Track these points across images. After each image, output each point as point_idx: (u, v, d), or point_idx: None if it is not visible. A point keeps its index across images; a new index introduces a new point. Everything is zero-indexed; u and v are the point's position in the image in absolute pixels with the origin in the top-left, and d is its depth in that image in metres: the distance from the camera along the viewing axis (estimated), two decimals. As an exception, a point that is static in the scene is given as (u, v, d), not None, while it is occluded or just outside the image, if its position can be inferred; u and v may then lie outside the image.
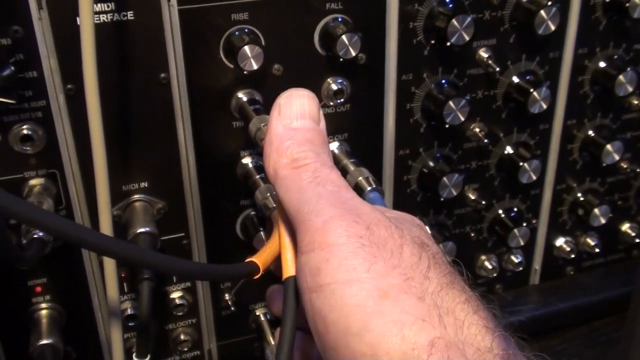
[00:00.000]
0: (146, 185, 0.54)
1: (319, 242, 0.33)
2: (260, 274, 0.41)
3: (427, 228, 0.39)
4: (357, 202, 0.35)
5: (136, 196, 0.54)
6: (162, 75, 0.50)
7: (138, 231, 0.51)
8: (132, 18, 0.48)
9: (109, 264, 0.48)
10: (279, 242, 0.40)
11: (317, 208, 0.34)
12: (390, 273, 0.32)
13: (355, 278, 0.32)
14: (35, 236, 0.47)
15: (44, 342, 0.53)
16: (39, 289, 0.54)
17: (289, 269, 0.39)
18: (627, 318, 0.63)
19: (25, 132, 0.48)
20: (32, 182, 0.50)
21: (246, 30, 0.50)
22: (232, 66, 0.51)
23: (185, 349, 0.61)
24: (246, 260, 0.41)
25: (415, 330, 0.30)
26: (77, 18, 0.43)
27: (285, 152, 0.37)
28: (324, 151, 0.38)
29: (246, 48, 0.49)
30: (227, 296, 0.61)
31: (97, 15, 0.46)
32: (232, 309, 0.60)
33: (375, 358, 0.30)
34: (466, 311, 0.32)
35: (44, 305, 0.55)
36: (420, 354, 0.30)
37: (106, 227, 0.46)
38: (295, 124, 0.38)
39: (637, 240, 0.74)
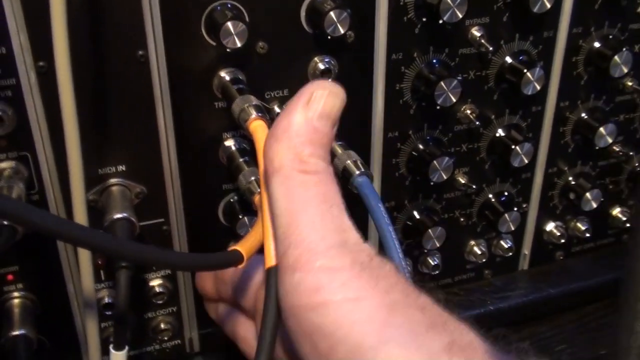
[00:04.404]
0: (124, 169, 0.51)
1: (320, 264, 0.33)
2: (244, 262, 0.39)
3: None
4: (355, 233, 0.35)
5: (113, 180, 0.51)
6: (140, 52, 0.48)
7: (115, 217, 0.49)
8: (108, -9, 0.45)
9: (84, 252, 0.46)
10: (263, 229, 0.38)
11: (320, 231, 0.34)
12: (392, 290, 0.32)
13: (362, 296, 0.32)
14: (5, 223, 0.44)
15: (16, 332, 0.50)
16: (10, 277, 0.52)
17: (272, 258, 0.37)
18: (617, 303, 0.62)
19: (-7, 112, 0.45)
20: (2, 165, 0.47)
21: (229, 5, 0.48)
22: (214, 43, 0.49)
23: (166, 338, 0.59)
24: (229, 249, 0.39)
25: (430, 338, 0.31)
26: (48, -10, 0.41)
27: (296, 149, 0.35)
28: (329, 160, 0.37)
29: (229, 24, 0.46)
30: (209, 283, 0.59)
31: (70, -12, 0.44)
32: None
33: None
34: (452, 317, 0.33)
35: (16, 294, 0.52)
36: (441, 358, 0.30)
37: (80, 213, 0.44)
38: (317, 123, 0.36)
39: (628, 225, 0.73)
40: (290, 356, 0.43)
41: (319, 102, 0.36)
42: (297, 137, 0.35)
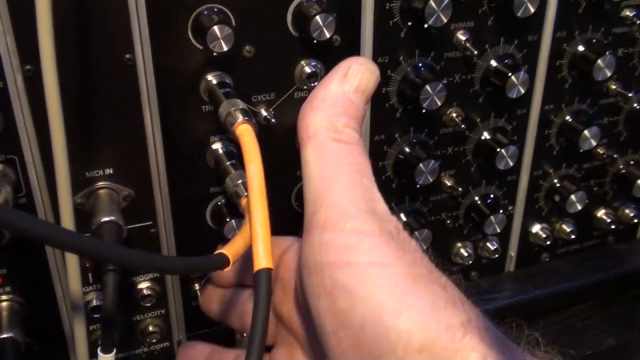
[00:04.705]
0: (111, 172, 0.51)
1: (350, 227, 0.34)
2: (230, 266, 0.39)
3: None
4: (384, 205, 0.36)
5: (101, 183, 0.51)
6: (127, 56, 0.48)
7: (102, 220, 0.49)
8: (94, -5, 0.45)
9: (71, 256, 0.45)
10: (250, 233, 0.39)
11: (352, 196, 0.35)
12: (417, 264, 0.33)
13: (388, 262, 0.33)
14: (-8, 226, 0.44)
15: (4, 335, 0.50)
16: (-2, 280, 0.52)
17: (260, 261, 0.37)
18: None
19: (-21, 115, 0.45)
20: (-11, 168, 0.47)
21: (215, 9, 0.48)
22: (201, 47, 0.49)
23: (154, 341, 0.59)
24: (215, 252, 0.39)
25: (449, 313, 0.32)
26: (35, -6, 0.41)
27: (332, 118, 0.36)
28: (362, 134, 0.38)
29: (215, 28, 0.47)
30: (196, 286, 0.59)
31: (56, -8, 0.44)
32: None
33: (411, 334, 0.31)
34: (470, 302, 0.34)
35: (4, 297, 0.52)
36: (455, 333, 0.31)
37: (67, 216, 0.44)
38: (353, 96, 0.37)
39: (613, 227, 0.73)
40: (299, 315, 0.44)
41: (355, 76, 0.37)
42: (333, 107, 0.36)
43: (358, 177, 0.35)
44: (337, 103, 0.36)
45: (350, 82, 0.37)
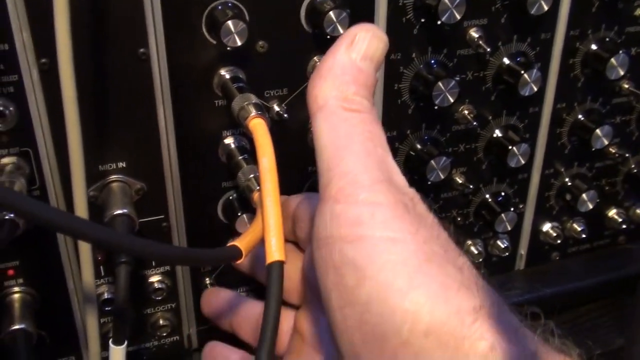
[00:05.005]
0: (124, 166, 0.52)
1: (363, 198, 0.32)
2: (243, 258, 0.39)
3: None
4: (400, 176, 0.35)
5: (113, 177, 0.52)
6: (142, 50, 0.48)
7: (115, 213, 0.49)
8: (110, -11, 0.45)
9: (85, 247, 0.46)
10: (263, 226, 0.39)
11: (365, 165, 0.33)
12: (433, 241, 0.32)
13: (400, 238, 0.31)
14: (7, 217, 0.45)
15: (16, 326, 0.50)
16: (11, 272, 0.52)
17: (272, 254, 0.37)
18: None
19: (-5, 108, 0.46)
20: (4, 160, 0.47)
21: (229, 4, 0.48)
22: (214, 42, 0.49)
23: (164, 334, 0.59)
24: (228, 244, 0.39)
25: (460, 297, 0.30)
26: (51, -12, 0.41)
27: (341, 87, 0.35)
28: (373, 102, 0.36)
29: (229, 23, 0.47)
30: (207, 280, 0.59)
31: (72, -14, 0.44)
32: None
33: (417, 316, 0.30)
34: (490, 286, 0.32)
35: (16, 289, 0.52)
36: (465, 318, 0.29)
37: (81, 208, 0.45)
38: (361, 64, 0.36)
39: (624, 226, 0.73)
40: (312, 287, 0.44)
41: (362, 43, 0.36)
42: (342, 75, 0.35)
43: (372, 146, 0.34)
44: (346, 71, 0.35)
45: (358, 50, 0.36)
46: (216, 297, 0.56)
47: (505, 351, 0.29)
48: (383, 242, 0.31)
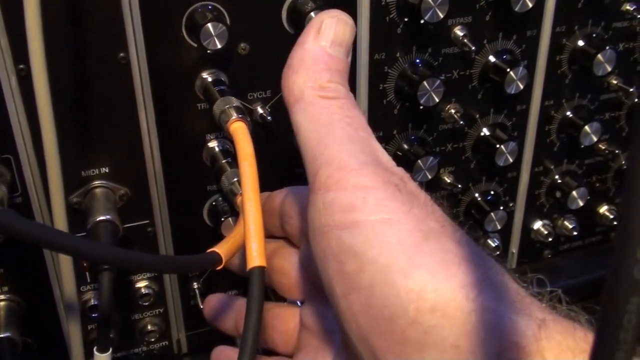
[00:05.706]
0: (107, 171, 0.51)
1: (353, 183, 0.32)
2: (223, 264, 0.39)
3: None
4: (386, 156, 0.35)
5: (96, 182, 0.51)
6: (121, 54, 0.48)
7: (98, 219, 0.49)
8: (87, -7, 0.45)
9: (64, 257, 0.45)
10: (244, 230, 0.38)
11: (350, 150, 0.33)
12: (428, 218, 0.32)
13: (395, 218, 0.31)
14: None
15: (1, 335, 0.50)
16: (-5, 280, 0.52)
17: (253, 259, 0.37)
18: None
19: (-26, 115, 0.45)
20: (-16, 168, 0.47)
21: (209, 7, 0.48)
22: (195, 45, 0.49)
23: (153, 340, 0.59)
24: (208, 251, 0.39)
25: (462, 271, 0.30)
26: (26, -7, 0.41)
27: (315, 76, 0.35)
28: (348, 87, 0.36)
29: (209, 25, 0.46)
30: (195, 285, 0.59)
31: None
32: (199, 298, 0.58)
33: (422, 294, 0.29)
34: (490, 256, 0.32)
35: (1, 296, 0.52)
36: (469, 292, 0.29)
37: (60, 217, 0.44)
38: (331, 50, 0.36)
39: (615, 223, 0.73)
40: (313, 280, 0.43)
41: (329, 30, 0.36)
42: (314, 65, 0.35)
43: (352, 130, 0.34)
44: (317, 60, 0.35)
45: (326, 37, 0.36)
46: (218, 301, 0.56)
47: (512, 320, 0.29)
48: (379, 225, 0.31)
